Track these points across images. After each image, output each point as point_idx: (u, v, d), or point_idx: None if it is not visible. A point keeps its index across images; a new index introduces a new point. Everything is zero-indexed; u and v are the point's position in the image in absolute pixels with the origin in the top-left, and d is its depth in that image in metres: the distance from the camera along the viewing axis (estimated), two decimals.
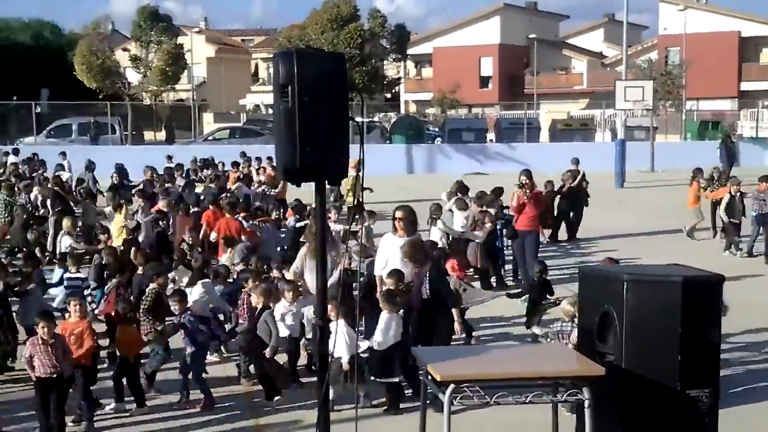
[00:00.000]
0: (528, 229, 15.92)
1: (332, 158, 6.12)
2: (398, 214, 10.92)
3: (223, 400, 10.30)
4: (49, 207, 20.02)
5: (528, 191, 15.90)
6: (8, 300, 11.67)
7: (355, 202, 18.85)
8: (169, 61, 50.62)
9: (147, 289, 11.02)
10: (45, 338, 8.91)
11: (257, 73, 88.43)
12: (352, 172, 20.83)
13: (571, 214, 21.67)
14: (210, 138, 44.30)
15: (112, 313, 10.73)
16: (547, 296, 12.68)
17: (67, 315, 9.87)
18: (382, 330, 9.76)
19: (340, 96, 6.13)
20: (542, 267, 13.18)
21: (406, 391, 9.92)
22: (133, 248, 14.05)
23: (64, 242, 15.62)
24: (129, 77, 52.70)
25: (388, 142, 44.27)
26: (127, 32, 59.79)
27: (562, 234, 21.48)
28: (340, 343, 9.49)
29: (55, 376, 8.88)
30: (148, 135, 55.63)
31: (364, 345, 9.92)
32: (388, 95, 67.24)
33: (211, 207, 17.40)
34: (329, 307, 8.62)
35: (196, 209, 18.43)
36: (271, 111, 68.15)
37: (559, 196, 21.55)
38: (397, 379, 9.72)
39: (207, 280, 12.01)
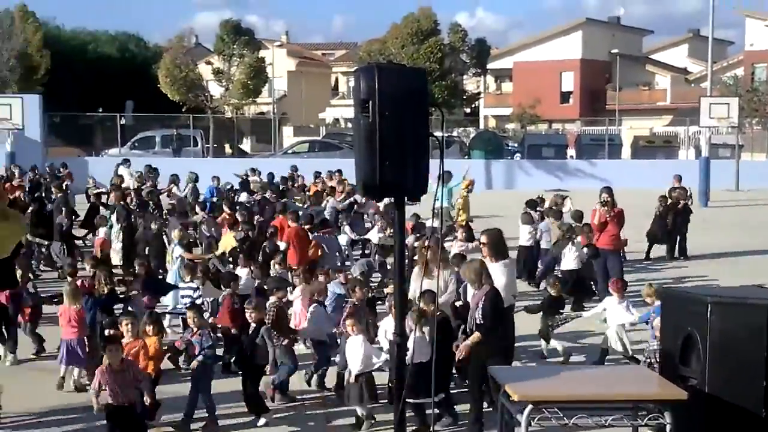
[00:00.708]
0: (610, 248, 15.56)
1: (412, 173, 6.06)
2: (483, 238, 10.78)
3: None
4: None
5: (610, 209, 15.59)
6: (112, 308, 11.99)
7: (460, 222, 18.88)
8: (251, 74, 51.21)
9: (268, 303, 11.04)
10: (112, 365, 8.64)
11: (337, 87, 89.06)
12: (464, 192, 21.14)
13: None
14: (289, 151, 44.67)
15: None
16: (559, 312, 12.82)
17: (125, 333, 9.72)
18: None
19: (420, 111, 6.09)
20: (556, 282, 13.21)
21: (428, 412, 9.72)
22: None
23: (176, 252, 15.75)
24: (211, 90, 53.47)
25: (466, 157, 44.11)
26: (210, 46, 60.79)
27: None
28: (356, 357, 9.64)
29: (126, 405, 8.61)
30: (229, 147, 56.35)
31: (382, 358, 9.87)
32: (468, 110, 67.09)
33: (281, 216, 17.88)
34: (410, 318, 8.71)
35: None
36: (350, 125, 68.55)
37: (674, 213, 21.18)
38: (421, 401, 9.44)
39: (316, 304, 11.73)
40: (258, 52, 53.85)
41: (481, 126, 70.36)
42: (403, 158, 5.97)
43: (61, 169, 29.65)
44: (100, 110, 50.59)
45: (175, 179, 25.90)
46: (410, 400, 9.32)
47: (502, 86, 79.02)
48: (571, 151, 47.38)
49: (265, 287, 12.44)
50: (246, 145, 62.32)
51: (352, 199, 22.22)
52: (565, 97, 74.27)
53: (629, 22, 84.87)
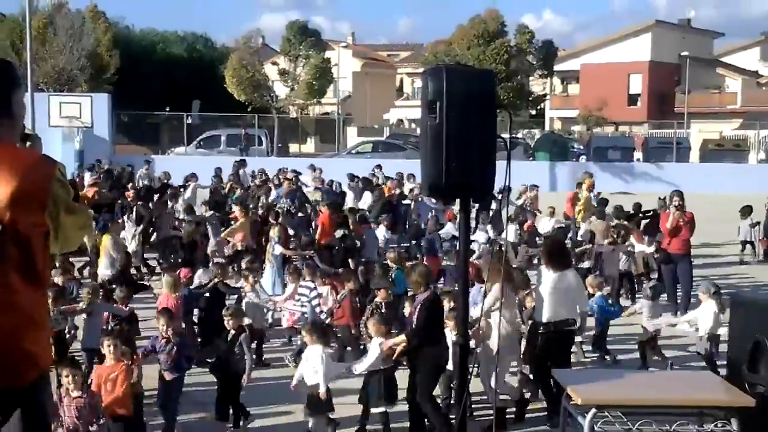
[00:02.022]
0: (682, 254, 15.24)
1: (479, 175, 6.06)
2: (542, 245, 10.69)
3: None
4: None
5: (682, 213, 15.31)
6: (224, 300, 12.15)
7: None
8: (317, 75, 51.53)
9: (374, 302, 11.09)
10: (69, 390, 7.83)
11: (402, 88, 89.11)
12: (585, 193, 21.18)
13: None
14: (353, 152, 44.85)
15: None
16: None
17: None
18: None
19: (488, 113, 6.08)
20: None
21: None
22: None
23: (276, 250, 15.88)
24: (277, 90, 53.89)
25: (531, 159, 43.84)
26: (276, 46, 61.21)
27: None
28: (317, 370, 9.15)
29: None
30: (293, 147, 56.77)
31: (360, 368, 9.43)
32: (533, 112, 66.68)
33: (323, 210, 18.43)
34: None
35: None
36: (414, 126, 68.55)
37: None
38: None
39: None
40: (324, 52, 54.18)
41: (547, 128, 69.82)
42: (470, 160, 5.97)
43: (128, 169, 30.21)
44: (167, 109, 51.25)
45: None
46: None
47: (569, 88, 78.33)
48: (638, 154, 46.78)
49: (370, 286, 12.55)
50: (310, 145, 62.71)
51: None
52: (632, 99, 73.32)
53: (700, 25, 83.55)
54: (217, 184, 26.14)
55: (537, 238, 19.58)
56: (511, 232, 19.23)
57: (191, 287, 12.78)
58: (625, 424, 6.86)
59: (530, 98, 54.88)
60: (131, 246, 16.69)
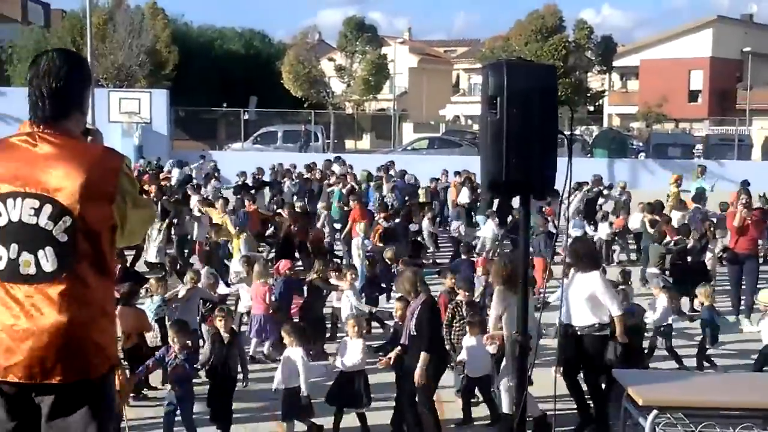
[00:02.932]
0: (748, 253, 14.89)
1: (539, 172, 5.96)
2: (570, 247, 10.40)
3: None
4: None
5: (751, 211, 14.94)
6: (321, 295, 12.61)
7: None
8: (373, 71, 51.57)
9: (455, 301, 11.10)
10: None
11: (458, 84, 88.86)
12: (673, 188, 21.13)
13: None
14: (409, 148, 44.77)
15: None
16: None
17: None
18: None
19: (549, 109, 5.96)
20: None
21: None
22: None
23: (364, 246, 16.06)
24: (333, 86, 54.02)
25: (589, 155, 43.39)
26: (333, 42, 61.40)
27: None
28: (297, 372, 8.95)
29: None
30: (349, 143, 56.87)
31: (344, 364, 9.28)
32: (591, 108, 66.08)
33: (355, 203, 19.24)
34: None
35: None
36: (470, 122, 68.32)
37: None
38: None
39: None
40: (380, 48, 54.21)
41: (605, 124, 69.13)
42: (531, 156, 5.87)
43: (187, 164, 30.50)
44: (225, 105, 51.64)
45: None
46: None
47: (628, 84, 77.45)
48: (698, 151, 46.10)
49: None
50: (365, 141, 62.77)
51: None
52: (693, 95, 72.23)
53: (763, 20, 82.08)
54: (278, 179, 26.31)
55: (627, 235, 19.87)
56: (605, 229, 19.18)
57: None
58: (687, 426, 6.74)
59: (588, 94, 54.34)
60: (156, 241, 16.71)
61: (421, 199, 23.50)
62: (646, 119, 61.47)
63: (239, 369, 9.43)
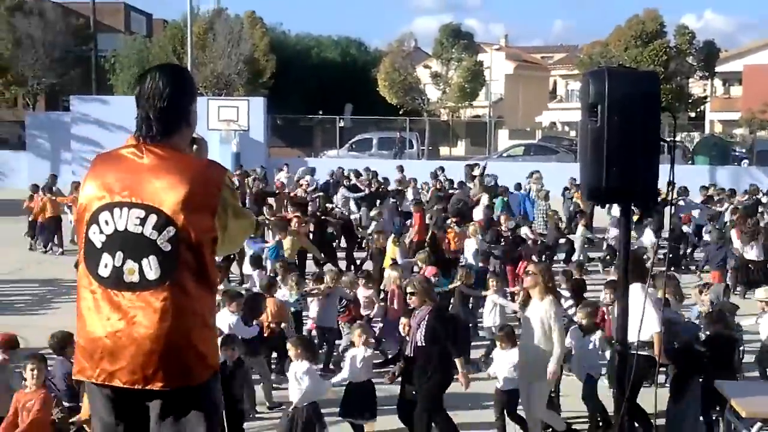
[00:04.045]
0: None
1: (641, 180, 5.84)
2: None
3: None
4: None
5: None
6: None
7: None
8: (469, 77, 51.45)
9: None
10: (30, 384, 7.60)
11: (555, 90, 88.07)
12: None
13: None
14: (504, 155, 44.45)
15: None
16: None
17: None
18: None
19: (651, 116, 5.84)
20: None
21: None
22: None
23: (479, 246, 16.11)
24: (428, 93, 54.02)
25: (690, 162, 42.43)
26: (428, 49, 61.47)
27: None
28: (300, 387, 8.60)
29: None
30: (444, 150, 56.78)
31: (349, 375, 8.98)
32: (692, 114, 64.76)
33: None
34: None
35: None
36: (567, 128, 67.57)
37: None
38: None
39: None
40: (476, 55, 54.07)
41: (707, 131, 67.58)
42: (632, 164, 5.76)
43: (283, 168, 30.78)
44: (321, 113, 52.11)
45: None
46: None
47: (731, 90, 75.56)
48: None
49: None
50: (460, 147, 62.61)
51: None
52: None
53: None
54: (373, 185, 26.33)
55: None
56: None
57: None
58: None
59: (690, 100, 53.32)
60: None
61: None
62: (750, 126, 59.86)
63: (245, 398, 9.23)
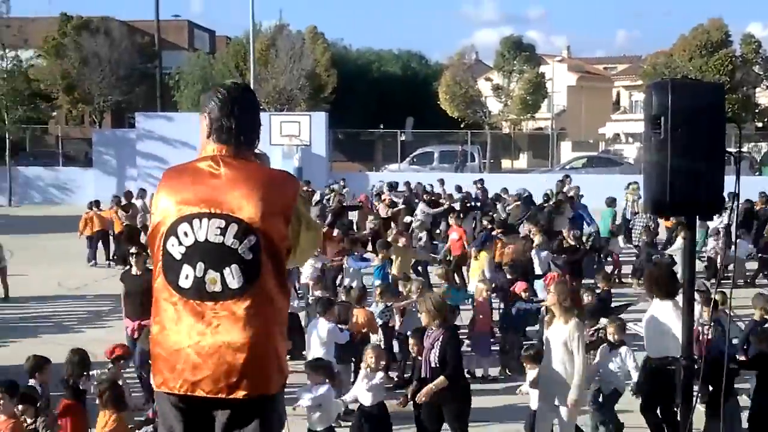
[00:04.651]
0: None
1: (705, 192, 5.77)
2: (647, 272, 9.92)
3: None
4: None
5: None
6: None
7: None
8: (530, 89, 51.17)
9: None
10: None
11: (619, 101, 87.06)
12: None
13: None
14: (567, 167, 44.04)
15: None
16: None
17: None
18: None
19: (716, 128, 5.78)
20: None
21: None
22: None
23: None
24: (490, 106, 53.82)
25: (757, 173, 41.62)
26: (490, 62, 61.26)
27: None
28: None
29: None
30: (506, 163, 56.54)
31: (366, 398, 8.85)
32: (759, 124, 63.54)
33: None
34: None
35: None
36: (631, 140, 66.77)
37: None
38: None
39: None
40: (538, 67, 53.79)
41: None
42: (696, 176, 5.69)
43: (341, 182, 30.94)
44: (382, 127, 52.21)
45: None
46: None
47: None
48: None
49: None
50: (522, 160, 62.22)
51: None
52: None
53: None
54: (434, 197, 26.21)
55: None
56: None
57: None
58: None
59: (756, 110, 52.29)
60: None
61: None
62: None
63: None
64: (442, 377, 8.21)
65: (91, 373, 8.64)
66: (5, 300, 17.96)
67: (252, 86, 35.37)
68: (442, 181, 30.61)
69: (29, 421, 7.82)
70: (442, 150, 45.36)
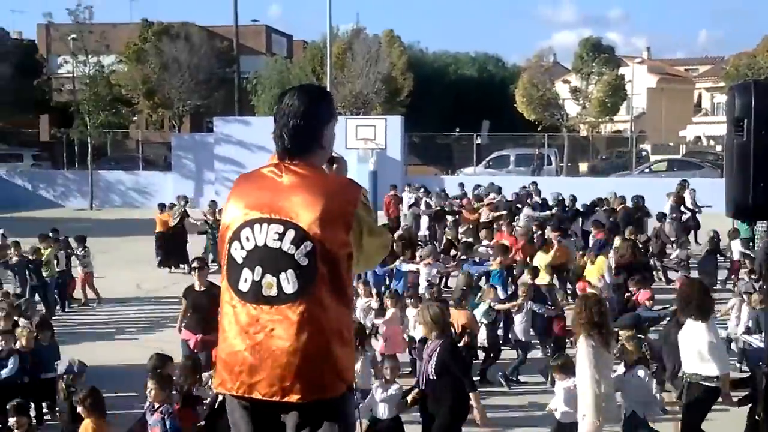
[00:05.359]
0: None
1: None
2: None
3: None
4: None
5: None
6: None
7: None
8: (609, 92, 50.48)
9: None
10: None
11: (700, 104, 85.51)
12: None
13: None
14: (647, 170, 43.37)
15: None
16: None
17: None
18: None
19: None
20: None
21: None
22: None
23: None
24: (567, 109, 53.27)
25: None
26: (568, 64, 60.62)
27: None
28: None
29: None
30: (583, 167, 55.89)
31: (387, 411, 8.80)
32: None
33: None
34: None
35: None
36: (713, 143, 65.46)
37: None
38: None
39: None
40: (617, 69, 53.01)
41: None
42: None
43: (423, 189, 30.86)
44: (457, 130, 52.02)
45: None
46: None
47: None
48: None
49: None
50: (599, 163, 61.40)
51: None
52: None
53: None
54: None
55: None
56: None
57: None
58: None
59: None
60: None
61: None
62: None
63: None
64: (473, 394, 8.26)
65: (203, 375, 8.78)
66: (97, 302, 18.65)
67: (329, 90, 35.69)
68: (535, 184, 30.13)
69: None
70: (518, 153, 45.08)
